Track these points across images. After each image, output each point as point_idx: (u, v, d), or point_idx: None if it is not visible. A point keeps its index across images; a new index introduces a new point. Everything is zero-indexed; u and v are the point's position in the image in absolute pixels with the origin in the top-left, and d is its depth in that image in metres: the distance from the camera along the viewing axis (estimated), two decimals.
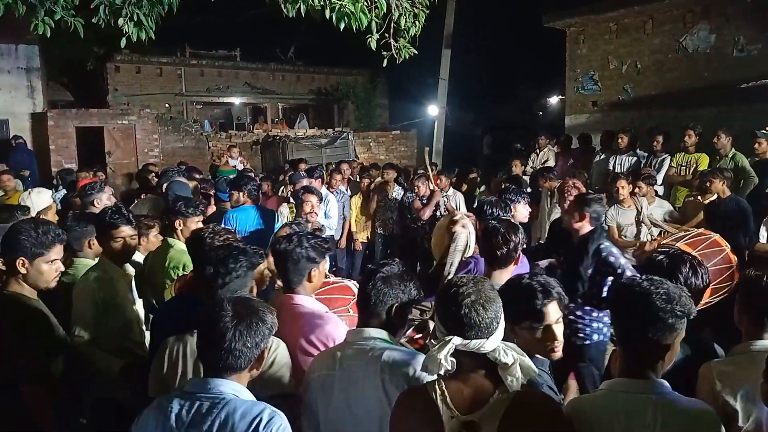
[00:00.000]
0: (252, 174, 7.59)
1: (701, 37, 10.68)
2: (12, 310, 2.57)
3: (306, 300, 2.67)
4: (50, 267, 2.66)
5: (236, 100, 23.40)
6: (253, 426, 1.76)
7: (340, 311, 3.01)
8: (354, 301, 3.45)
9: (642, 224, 5.83)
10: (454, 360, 1.77)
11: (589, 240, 3.90)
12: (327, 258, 2.87)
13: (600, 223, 4.05)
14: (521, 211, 4.60)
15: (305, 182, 6.39)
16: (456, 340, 1.76)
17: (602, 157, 8.75)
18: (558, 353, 2.17)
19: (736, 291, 3.82)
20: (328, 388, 2.14)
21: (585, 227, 3.98)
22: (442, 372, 1.77)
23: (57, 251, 2.69)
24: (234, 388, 1.83)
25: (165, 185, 5.62)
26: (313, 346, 2.46)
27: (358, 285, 3.57)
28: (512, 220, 3.55)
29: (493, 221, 3.22)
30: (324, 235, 5.96)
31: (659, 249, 3.03)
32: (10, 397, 2.46)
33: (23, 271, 2.59)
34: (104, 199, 4.79)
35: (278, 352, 2.29)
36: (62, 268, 2.76)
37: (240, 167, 10.98)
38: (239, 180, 5.59)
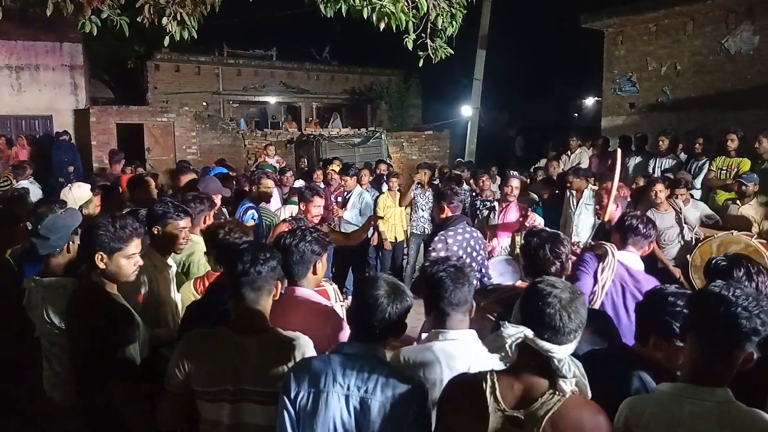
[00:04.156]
0: (291, 172, 7.70)
1: (744, 39, 10.43)
2: (92, 304, 2.60)
3: (308, 293, 2.73)
4: (128, 262, 2.67)
5: (271, 99, 23.64)
6: (413, 385, 1.98)
7: None
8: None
9: (685, 224, 5.80)
10: (516, 351, 1.75)
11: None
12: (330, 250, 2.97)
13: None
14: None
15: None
16: (528, 332, 1.73)
17: (639, 159, 8.61)
18: None
19: None
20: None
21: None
22: (501, 355, 1.77)
23: (135, 245, 2.72)
24: (383, 353, 2.11)
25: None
26: (326, 337, 2.51)
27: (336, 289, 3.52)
28: (557, 231, 3.26)
29: (534, 237, 3.02)
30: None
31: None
32: (102, 395, 2.51)
33: (102, 266, 2.61)
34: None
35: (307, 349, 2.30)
36: (141, 262, 2.77)
37: (277, 166, 11.06)
38: None
